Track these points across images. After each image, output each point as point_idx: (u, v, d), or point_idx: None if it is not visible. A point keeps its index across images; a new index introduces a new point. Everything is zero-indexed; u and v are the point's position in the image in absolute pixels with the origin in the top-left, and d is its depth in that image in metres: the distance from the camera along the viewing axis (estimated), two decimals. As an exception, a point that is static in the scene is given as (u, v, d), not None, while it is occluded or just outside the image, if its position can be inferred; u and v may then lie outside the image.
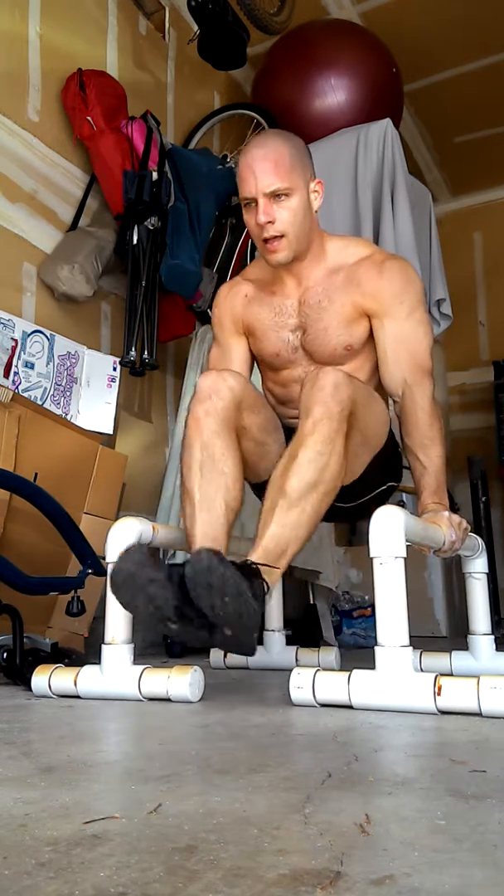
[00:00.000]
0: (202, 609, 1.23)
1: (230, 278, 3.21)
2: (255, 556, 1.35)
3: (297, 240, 1.61)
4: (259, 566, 1.33)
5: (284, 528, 1.38)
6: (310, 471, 1.40)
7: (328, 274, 1.68)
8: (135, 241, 2.70)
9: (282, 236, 1.58)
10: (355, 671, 1.27)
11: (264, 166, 1.55)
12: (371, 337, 1.68)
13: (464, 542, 1.60)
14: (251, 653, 1.36)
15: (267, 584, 1.34)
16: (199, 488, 1.50)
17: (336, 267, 1.68)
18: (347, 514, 1.75)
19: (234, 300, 1.81)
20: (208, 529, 1.46)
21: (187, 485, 1.53)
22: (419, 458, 1.61)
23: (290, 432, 1.75)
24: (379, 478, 1.74)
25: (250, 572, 1.31)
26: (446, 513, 1.56)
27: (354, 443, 1.52)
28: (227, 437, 1.55)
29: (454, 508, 1.71)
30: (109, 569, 1.34)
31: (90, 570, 1.77)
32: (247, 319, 1.79)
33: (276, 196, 1.56)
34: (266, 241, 1.59)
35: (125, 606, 1.32)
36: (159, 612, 1.26)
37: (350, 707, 1.25)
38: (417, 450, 1.61)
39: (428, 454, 1.60)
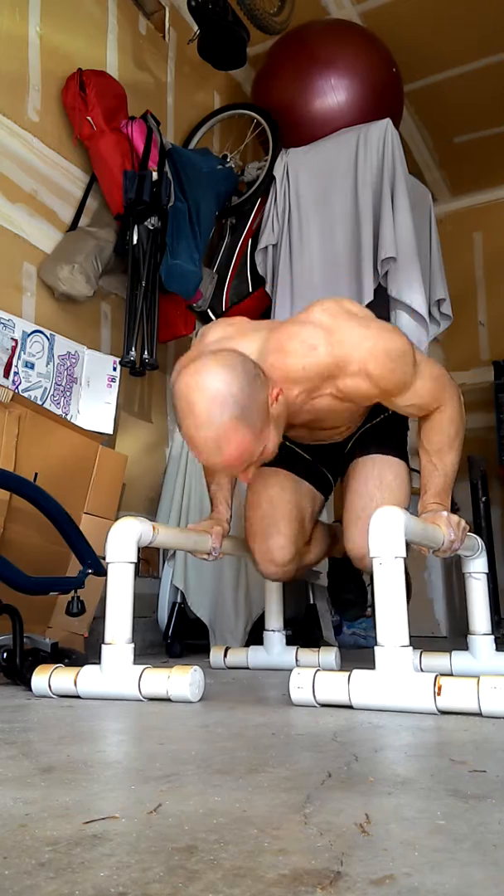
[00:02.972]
0: None
1: (230, 278, 3.23)
2: None
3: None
4: None
5: None
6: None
7: (308, 404, 1.56)
8: (135, 241, 2.70)
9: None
10: (355, 671, 1.27)
11: (228, 463, 1.40)
12: None
13: (463, 542, 1.61)
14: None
15: None
16: None
17: (310, 392, 1.53)
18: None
19: None
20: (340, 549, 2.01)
21: None
22: (433, 461, 1.63)
23: (299, 445, 1.89)
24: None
25: None
26: (445, 513, 1.57)
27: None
28: (312, 554, 2.03)
29: (454, 509, 1.72)
30: None
31: (90, 570, 1.77)
32: None
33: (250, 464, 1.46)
34: None
35: None
36: None
37: (350, 707, 1.25)
38: (434, 454, 1.63)
39: (443, 459, 1.63)
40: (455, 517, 1.58)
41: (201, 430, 1.34)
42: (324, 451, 1.90)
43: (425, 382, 1.57)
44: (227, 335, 1.58)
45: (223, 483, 1.88)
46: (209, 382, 1.33)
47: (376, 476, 1.78)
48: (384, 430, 1.85)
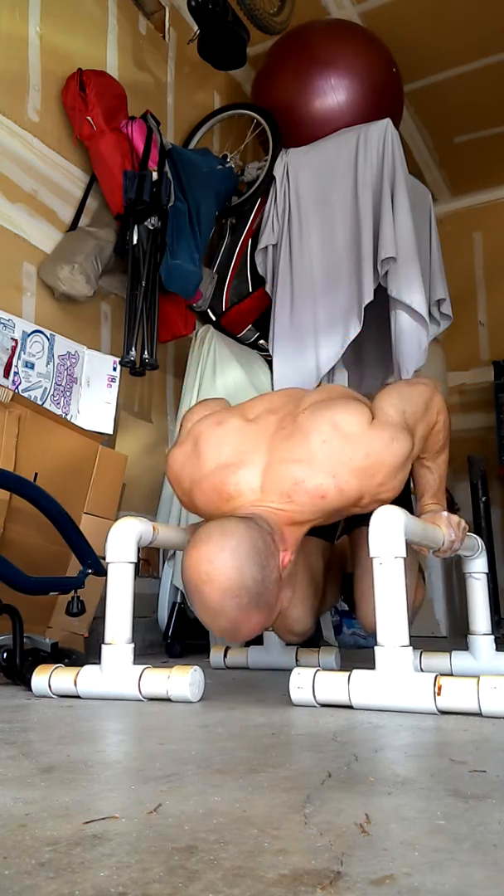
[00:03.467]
0: None
1: (230, 278, 3.23)
2: None
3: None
4: None
5: None
6: None
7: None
8: (135, 241, 2.70)
9: None
10: (355, 671, 1.27)
11: (231, 639, 1.37)
12: None
13: (463, 542, 1.61)
14: None
15: None
16: None
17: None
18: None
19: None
20: None
21: None
22: (426, 463, 1.65)
23: None
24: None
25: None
26: (445, 513, 1.57)
27: None
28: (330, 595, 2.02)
29: (454, 509, 1.72)
30: None
31: (90, 570, 1.77)
32: None
33: None
34: None
35: None
36: None
37: (350, 707, 1.25)
38: (427, 456, 1.63)
39: (436, 461, 1.65)
40: (455, 517, 1.58)
41: (216, 621, 1.29)
42: None
43: (407, 445, 1.43)
44: (218, 440, 1.50)
45: None
46: (220, 573, 1.25)
47: None
48: None
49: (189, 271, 2.75)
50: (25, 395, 2.23)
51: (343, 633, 3.19)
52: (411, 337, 2.90)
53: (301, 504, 1.40)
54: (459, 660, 1.80)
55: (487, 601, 1.88)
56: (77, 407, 2.51)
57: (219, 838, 0.58)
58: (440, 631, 3.71)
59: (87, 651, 2.06)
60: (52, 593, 1.88)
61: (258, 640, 2.17)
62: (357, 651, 2.86)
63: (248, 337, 3.24)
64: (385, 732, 1.07)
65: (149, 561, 2.89)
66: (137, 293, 2.69)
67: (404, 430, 1.43)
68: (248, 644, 2.44)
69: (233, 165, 3.31)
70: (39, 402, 2.31)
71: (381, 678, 1.24)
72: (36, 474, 1.95)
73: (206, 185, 3.00)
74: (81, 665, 1.49)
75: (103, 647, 1.45)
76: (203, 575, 1.26)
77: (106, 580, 1.50)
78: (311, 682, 1.28)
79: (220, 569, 1.25)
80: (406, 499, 1.83)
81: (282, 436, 1.46)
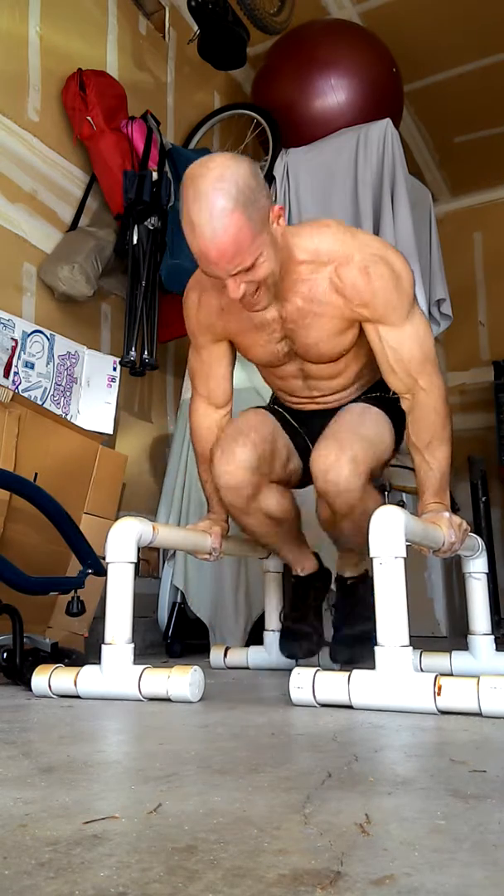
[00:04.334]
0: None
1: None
2: (350, 572, 1.95)
3: (274, 284, 1.49)
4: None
5: (354, 546, 1.83)
6: (354, 535, 1.71)
7: (305, 281, 1.56)
8: (135, 241, 2.70)
9: (259, 294, 1.47)
10: (355, 671, 1.27)
11: (223, 251, 1.36)
12: (362, 332, 1.62)
13: (463, 542, 1.60)
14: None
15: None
16: (278, 541, 1.90)
17: (311, 269, 1.55)
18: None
19: (208, 314, 1.71)
20: (295, 550, 1.96)
21: (265, 541, 1.90)
22: (426, 458, 1.60)
23: (293, 413, 1.88)
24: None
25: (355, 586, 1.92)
26: (446, 513, 1.56)
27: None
28: (274, 497, 1.78)
29: (454, 509, 1.71)
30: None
31: (90, 570, 1.77)
32: (228, 330, 1.72)
33: (244, 270, 1.41)
34: (242, 300, 1.48)
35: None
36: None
37: (350, 707, 1.25)
38: (424, 450, 1.60)
39: (434, 455, 1.59)
40: (456, 518, 1.57)
41: (201, 206, 1.35)
42: (313, 420, 1.81)
43: (417, 329, 1.57)
44: None
45: None
46: (216, 164, 1.37)
47: (357, 412, 1.72)
48: (377, 400, 1.78)
49: (189, 271, 2.73)
50: (25, 395, 2.23)
51: (343, 633, 3.19)
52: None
53: (304, 227, 1.59)
54: (459, 660, 1.80)
55: (487, 601, 1.88)
56: (77, 407, 2.51)
57: (219, 838, 0.58)
58: (440, 631, 3.71)
59: (87, 651, 2.06)
60: (52, 593, 1.88)
61: (258, 641, 2.17)
62: (357, 651, 2.86)
63: (248, 337, 3.24)
64: (385, 732, 1.07)
65: (149, 561, 2.89)
66: (137, 293, 2.70)
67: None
68: (247, 644, 2.44)
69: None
70: (39, 402, 2.31)
71: (381, 678, 1.24)
72: (36, 474, 1.95)
73: (206, 185, 3.00)
74: (81, 665, 1.49)
75: (103, 647, 1.45)
76: (200, 167, 1.37)
77: (106, 580, 1.50)
78: (311, 682, 1.28)
79: (216, 161, 1.38)
80: (395, 409, 1.76)
81: None
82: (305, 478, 1.87)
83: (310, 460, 1.65)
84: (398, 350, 1.57)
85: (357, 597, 1.90)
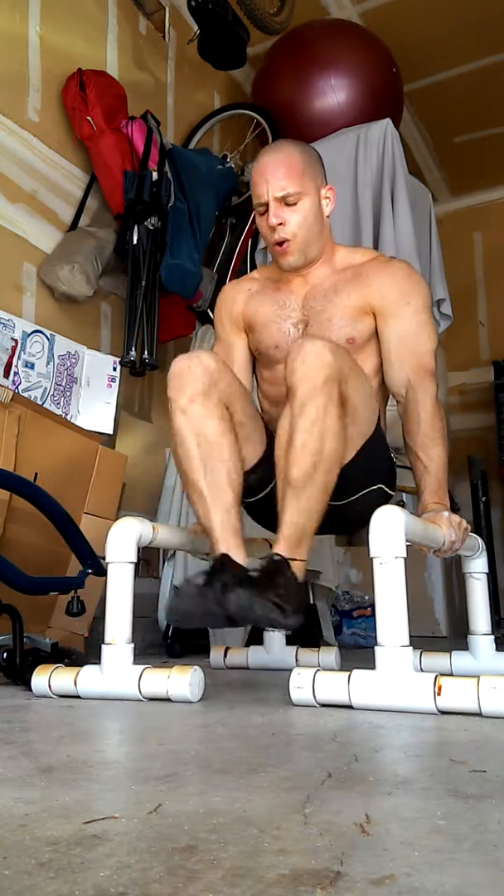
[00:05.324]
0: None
1: (230, 278, 3.22)
2: (280, 548, 1.39)
3: (307, 243, 1.65)
4: (286, 559, 1.38)
5: (299, 514, 1.39)
6: (307, 455, 1.37)
7: (335, 272, 1.72)
8: (135, 241, 2.70)
9: (292, 239, 1.63)
10: (355, 671, 1.27)
11: (276, 171, 1.60)
12: (374, 336, 1.68)
13: (464, 542, 1.60)
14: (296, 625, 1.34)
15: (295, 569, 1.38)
16: (205, 483, 1.50)
17: (343, 267, 1.72)
18: (338, 518, 1.55)
19: (236, 295, 1.83)
20: (226, 524, 1.50)
21: (191, 477, 1.52)
22: (420, 457, 1.60)
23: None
24: (370, 476, 1.67)
25: (277, 565, 1.36)
26: (446, 513, 1.56)
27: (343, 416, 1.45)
28: (219, 417, 1.53)
29: (454, 509, 1.71)
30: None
31: (90, 570, 1.77)
32: (248, 313, 1.79)
33: (286, 200, 1.60)
34: (277, 243, 1.64)
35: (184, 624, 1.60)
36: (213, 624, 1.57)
37: (350, 707, 1.25)
38: (419, 449, 1.60)
39: (429, 454, 1.60)
40: (456, 517, 1.57)
41: (269, 148, 1.69)
42: None
43: (426, 331, 1.67)
44: None
45: None
46: (286, 141, 1.75)
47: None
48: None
49: (189, 271, 2.75)
50: (25, 395, 2.23)
51: (343, 633, 3.19)
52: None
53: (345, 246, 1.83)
54: (459, 660, 1.80)
55: (487, 601, 1.88)
56: (77, 407, 2.51)
57: (219, 838, 0.58)
58: (440, 631, 3.71)
59: (87, 651, 2.06)
60: (52, 593, 1.88)
61: (258, 641, 2.17)
62: (357, 651, 2.86)
63: (248, 337, 3.24)
64: (385, 732, 1.07)
65: (149, 561, 2.89)
66: (137, 293, 2.70)
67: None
68: (247, 644, 2.44)
69: (233, 165, 3.31)
70: (39, 402, 2.31)
71: (381, 678, 1.24)
72: (36, 474, 1.95)
73: (205, 185, 3.00)
74: (81, 665, 1.49)
75: (103, 647, 1.44)
76: (269, 157, 1.65)
77: (106, 580, 1.50)
78: (311, 682, 1.28)
79: (286, 139, 1.81)
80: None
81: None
82: (263, 474, 1.66)
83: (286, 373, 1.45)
84: (399, 343, 1.66)
85: (276, 582, 1.34)
